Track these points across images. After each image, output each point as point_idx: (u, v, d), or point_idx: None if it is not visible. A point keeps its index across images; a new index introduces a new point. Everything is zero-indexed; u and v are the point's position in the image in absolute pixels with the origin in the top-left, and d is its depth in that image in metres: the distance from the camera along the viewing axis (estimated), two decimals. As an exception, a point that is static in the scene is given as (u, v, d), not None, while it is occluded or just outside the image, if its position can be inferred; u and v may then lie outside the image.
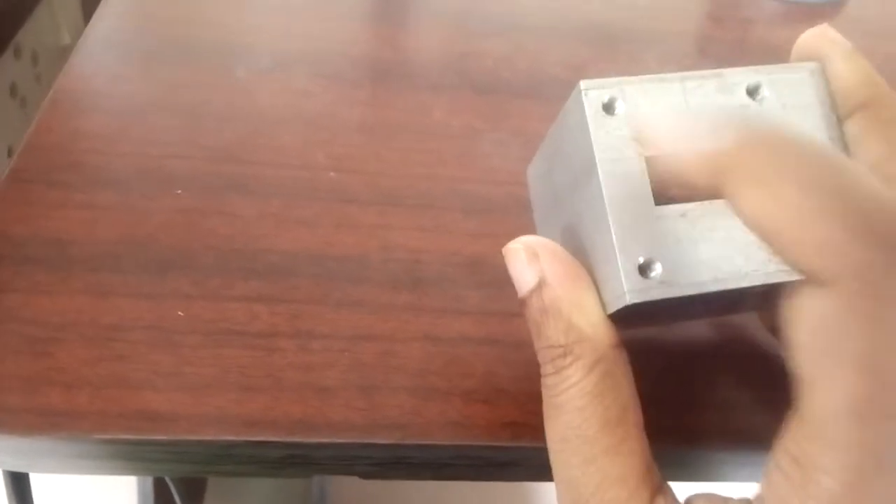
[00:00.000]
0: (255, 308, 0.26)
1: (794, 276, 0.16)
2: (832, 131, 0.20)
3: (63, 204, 0.29)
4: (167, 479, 0.61)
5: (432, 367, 0.25)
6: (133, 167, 0.31)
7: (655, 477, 0.18)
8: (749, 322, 0.27)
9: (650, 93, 0.19)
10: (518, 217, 0.30)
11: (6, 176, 0.30)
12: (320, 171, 0.32)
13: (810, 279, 0.15)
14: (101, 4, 0.40)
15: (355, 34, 0.42)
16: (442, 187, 0.32)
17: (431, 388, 0.25)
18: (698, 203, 0.18)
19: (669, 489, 0.18)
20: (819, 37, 0.20)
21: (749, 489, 0.16)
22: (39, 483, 0.57)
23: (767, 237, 0.15)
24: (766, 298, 0.18)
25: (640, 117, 0.18)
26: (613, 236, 0.18)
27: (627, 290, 0.18)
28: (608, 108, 0.19)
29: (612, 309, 0.18)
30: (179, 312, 0.26)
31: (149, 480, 0.60)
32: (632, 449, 0.17)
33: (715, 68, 0.19)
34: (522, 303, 0.19)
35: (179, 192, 0.30)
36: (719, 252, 0.18)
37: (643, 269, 0.18)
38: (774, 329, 0.21)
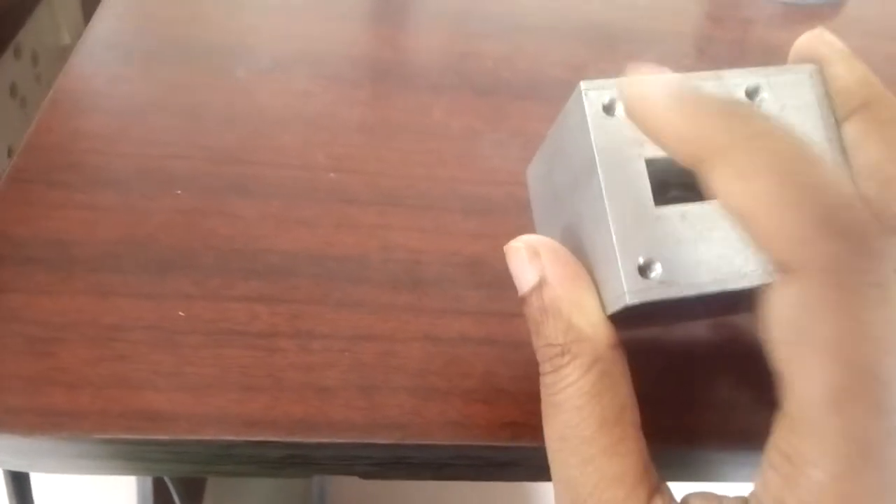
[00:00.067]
0: (256, 308, 0.26)
1: None
2: (830, 133, 0.20)
3: (64, 204, 0.29)
4: (166, 479, 0.61)
5: (432, 367, 0.25)
6: (133, 167, 0.31)
7: (653, 476, 0.18)
8: (749, 322, 0.27)
9: None
10: (517, 217, 0.31)
11: (6, 176, 0.30)
12: (320, 172, 0.32)
13: (779, 270, 0.15)
14: (101, 5, 0.40)
15: (355, 35, 0.42)
16: (442, 188, 0.32)
17: (431, 388, 0.25)
18: (698, 204, 0.18)
19: (667, 488, 0.18)
20: (816, 40, 0.20)
21: (746, 489, 0.17)
22: (40, 483, 0.57)
23: (740, 224, 0.15)
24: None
25: (632, 87, 0.18)
26: (613, 237, 0.18)
27: (627, 291, 0.18)
28: (608, 109, 0.19)
29: (612, 309, 0.18)
30: (180, 312, 0.26)
31: (148, 480, 0.60)
32: (629, 449, 0.17)
33: (714, 68, 0.20)
34: (523, 301, 0.19)
35: (179, 192, 0.30)
36: (719, 253, 0.18)
37: (643, 270, 0.18)
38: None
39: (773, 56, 0.43)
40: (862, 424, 0.14)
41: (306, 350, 0.25)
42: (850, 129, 0.20)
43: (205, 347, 0.25)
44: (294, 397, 0.24)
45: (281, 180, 0.31)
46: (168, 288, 0.26)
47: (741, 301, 0.20)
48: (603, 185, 0.18)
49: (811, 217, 0.14)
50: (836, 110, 0.20)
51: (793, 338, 0.15)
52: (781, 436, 0.15)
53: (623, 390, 0.18)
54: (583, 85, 0.19)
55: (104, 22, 0.39)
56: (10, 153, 0.69)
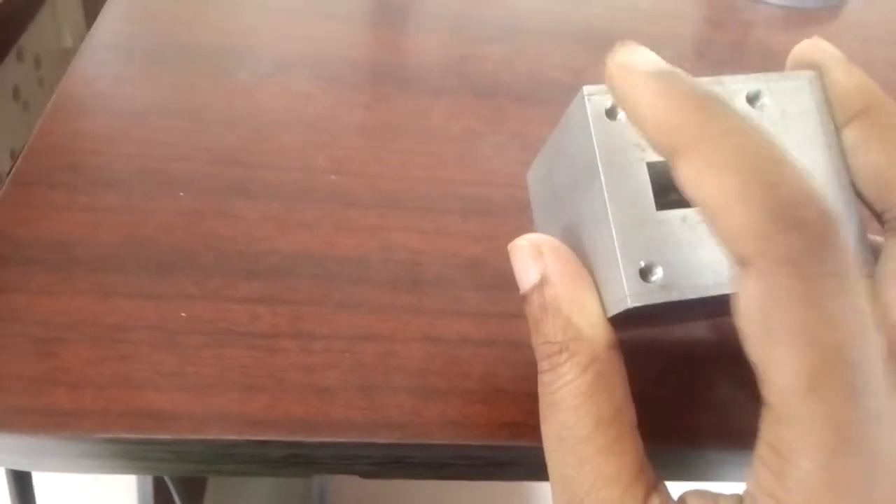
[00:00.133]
0: (257, 309, 0.26)
1: None
2: (830, 138, 0.20)
3: (66, 206, 0.29)
4: (167, 479, 0.61)
5: (432, 367, 0.26)
6: (135, 169, 0.31)
7: (650, 475, 0.18)
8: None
9: None
10: (517, 219, 0.31)
11: (10, 180, 0.30)
12: (321, 174, 0.32)
13: (738, 264, 0.15)
14: (104, 8, 0.40)
15: (356, 37, 0.42)
16: (442, 190, 0.32)
17: (431, 388, 0.25)
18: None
19: (664, 487, 0.18)
20: (813, 47, 0.21)
21: (742, 488, 0.17)
22: (41, 482, 0.57)
23: (705, 218, 0.16)
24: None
25: (616, 55, 0.18)
26: (615, 240, 0.18)
27: (629, 294, 0.18)
28: (610, 113, 0.19)
29: (613, 312, 0.19)
30: (182, 313, 0.26)
31: (149, 480, 0.60)
32: (625, 448, 0.18)
33: (714, 71, 0.20)
34: (524, 299, 0.20)
35: (181, 193, 0.30)
36: (719, 256, 0.18)
37: (644, 273, 0.18)
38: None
39: (772, 60, 0.43)
40: (839, 408, 0.14)
41: (307, 350, 0.25)
42: (850, 135, 0.20)
43: (206, 347, 0.25)
44: (295, 397, 0.24)
45: (281, 182, 0.31)
46: (169, 288, 0.27)
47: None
48: (605, 189, 0.18)
49: (769, 211, 0.14)
50: (836, 116, 0.20)
51: (761, 329, 0.15)
52: (767, 428, 0.15)
53: (619, 391, 0.18)
54: (585, 90, 0.19)
55: (106, 25, 0.39)
56: (12, 156, 0.69)
